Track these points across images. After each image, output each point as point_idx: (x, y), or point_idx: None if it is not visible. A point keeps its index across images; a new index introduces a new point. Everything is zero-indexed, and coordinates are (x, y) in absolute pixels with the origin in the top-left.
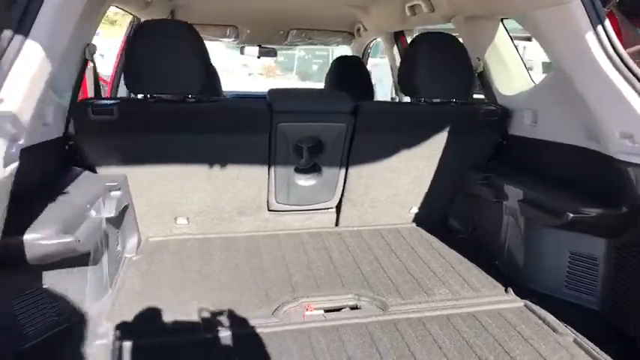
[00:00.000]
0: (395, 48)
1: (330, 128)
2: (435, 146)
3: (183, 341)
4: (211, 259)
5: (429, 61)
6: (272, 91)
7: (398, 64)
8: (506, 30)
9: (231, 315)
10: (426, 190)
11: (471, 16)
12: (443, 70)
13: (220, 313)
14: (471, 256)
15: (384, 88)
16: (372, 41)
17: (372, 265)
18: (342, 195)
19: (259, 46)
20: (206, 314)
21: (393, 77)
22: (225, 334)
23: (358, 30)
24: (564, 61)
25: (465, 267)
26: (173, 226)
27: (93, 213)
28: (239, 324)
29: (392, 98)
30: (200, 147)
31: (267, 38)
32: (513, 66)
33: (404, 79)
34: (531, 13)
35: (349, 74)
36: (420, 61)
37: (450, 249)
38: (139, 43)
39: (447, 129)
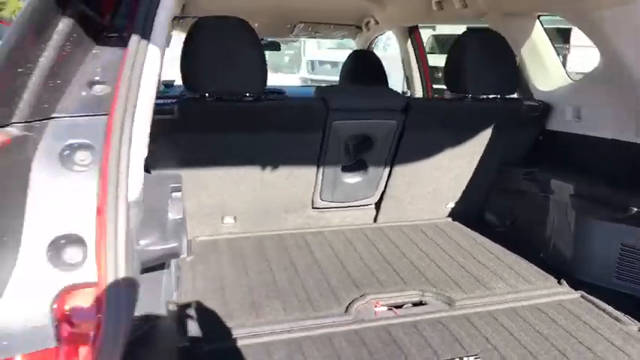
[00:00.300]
0: (409, 42)
1: (381, 125)
2: (477, 142)
3: (262, 344)
4: (265, 257)
5: (477, 58)
6: (322, 89)
7: (412, 58)
8: (542, 26)
9: (306, 314)
10: (464, 186)
11: (507, 12)
12: (490, 67)
13: (293, 312)
14: (514, 249)
15: (391, 81)
16: (378, 35)
17: (423, 260)
18: (383, 191)
19: (261, 39)
20: (280, 315)
21: (404, 71)
22: (304, 334)
23: (367, 24)
24: (627, 60)
25: (512, 260)
26: (220, 225)
27: (170, 215)
28: (316, 323)
29: (403, 92)
30: (255, 145)
31: (273, 32)
32: (550, 62)
33: (451, 75)
34: (590, 13)
35: (365, 68)
36: (468, 58)
37: (492, 242)
38: (199, 41)
39: (490, 125)
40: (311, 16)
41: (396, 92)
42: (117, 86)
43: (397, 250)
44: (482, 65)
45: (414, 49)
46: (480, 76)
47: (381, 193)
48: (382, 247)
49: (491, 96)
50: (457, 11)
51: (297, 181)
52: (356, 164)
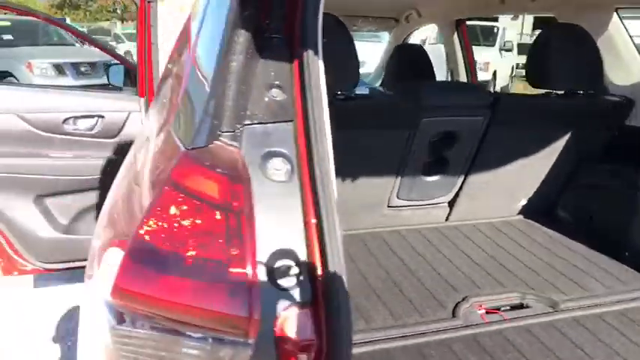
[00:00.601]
0: (455, 36)
1: (467, 122)
2: (558, 138)
3: (381, 351)
4: (349, 257)
5: (563, 52)
6: (408, 86)
7: (458, 52)
8: (620, 19)
9: (415, 319)
10: (540, 182)
11: (582, 5)
12: (575, 62)
13: (401, 317)
14: (595, 247)
15: None
16: (416, 29)
17: (510, 260)
18: (459, 189)
19: None
20: (389, 320)
21: (448, 65)
22: (421, 341)
23: (407, 17)
24: None
25: (598, 259)
26: None
27: None
28: (428, 329)
29: None
30: (342, 144)
31: None
32: (628, 56)
33: (535, 69)
34: None
35: (411, 62)
36: (554, 52)
37: (571, 240)
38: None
39: (572, 120)
40: (351, 10)
41: (481, 88)
42: (297, 91)
43: (480, 250)
44: (568, 60)
45: (460, 43)
46: (565, 71)
47: (456, 191)
48: (464, 246)
49: (575, 91)
50: (523, 4)
51: (378, 179)
52: (436, 162)
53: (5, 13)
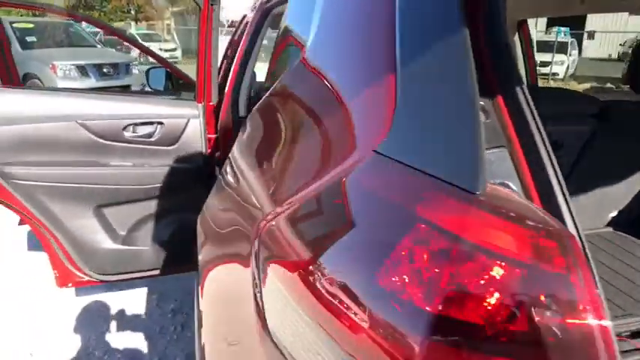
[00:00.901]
0: (516, 37)
1: (573, 131)
2: None
3: None
4: None
5: None
6: None
7: (519, 54)
8: None
9: None
10: (634, 193)
11: None
12: None
13: None
14: None
15: None
16: None
17: (614, 277)
18: None
19: None
20: None
21: None
22: None
23: None
24: None
25: None
26: None
27: None
28: None
29: None
30: None
31: None
32: None
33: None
34: None
35: None
36: None
37: None
38: None
39: None
40: None
41: (587, 95)
42: (503, 110)
43: None
44: None
45: (521, 45)
46: None
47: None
48: None
49: None
50: (606, 3)
51: None
52: None
53: (21, 15)
